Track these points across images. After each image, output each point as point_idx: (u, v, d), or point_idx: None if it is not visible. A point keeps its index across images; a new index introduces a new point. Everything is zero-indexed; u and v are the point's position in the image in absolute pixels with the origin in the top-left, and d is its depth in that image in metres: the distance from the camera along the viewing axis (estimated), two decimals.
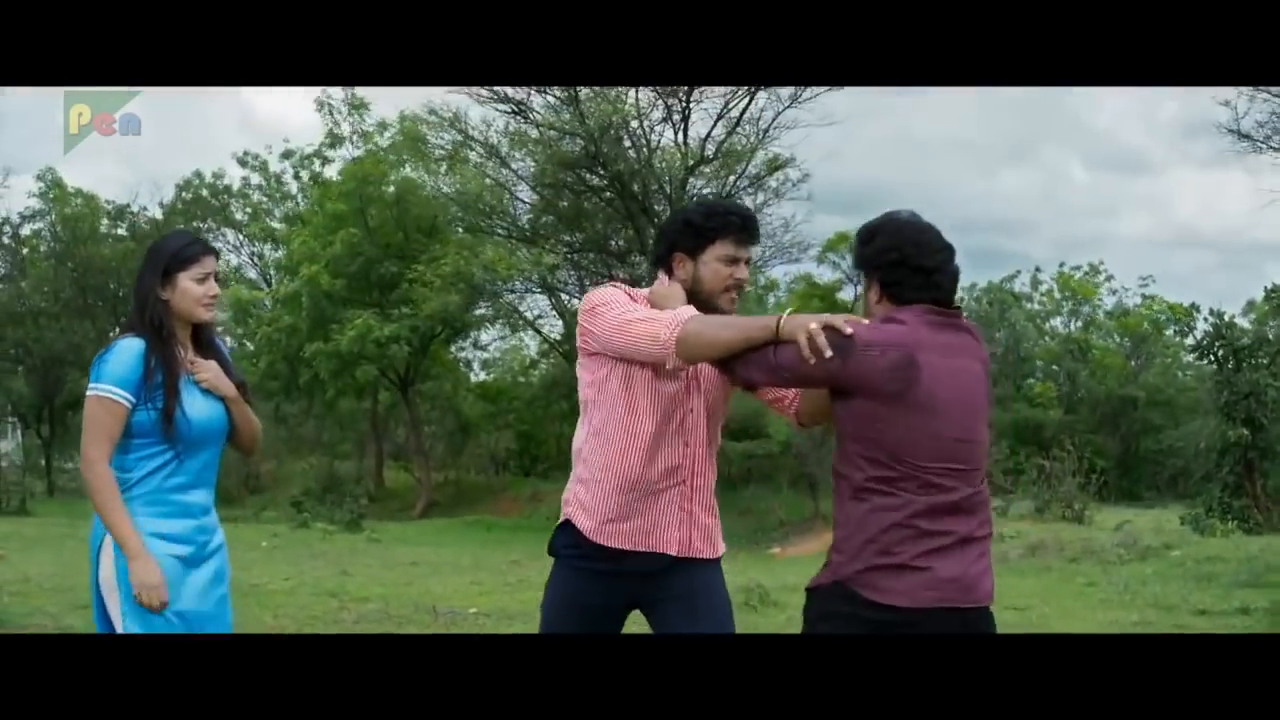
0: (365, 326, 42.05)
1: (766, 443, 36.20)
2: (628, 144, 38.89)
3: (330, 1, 5.59)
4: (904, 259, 4.98)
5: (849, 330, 4.73)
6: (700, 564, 5.56)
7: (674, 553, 5.48)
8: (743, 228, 5.50)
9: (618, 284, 5.55)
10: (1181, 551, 22.59)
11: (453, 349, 54.53)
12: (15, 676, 4.54)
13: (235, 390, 5.80)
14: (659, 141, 39.88)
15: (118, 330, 5.78)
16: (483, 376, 61.16)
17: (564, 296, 48.67)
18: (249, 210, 58.91)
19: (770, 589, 18.10)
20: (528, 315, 50.37)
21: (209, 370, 5.70)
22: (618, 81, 31.35)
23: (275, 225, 56.08)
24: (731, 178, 39.88)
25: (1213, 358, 35.88)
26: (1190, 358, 59.47)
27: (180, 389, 5.52)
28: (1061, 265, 61.42)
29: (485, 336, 55.67)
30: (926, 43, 5.53)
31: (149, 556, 5.41)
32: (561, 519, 5.70)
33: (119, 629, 5.45)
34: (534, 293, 47.08)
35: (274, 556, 25.26)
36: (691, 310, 5.19)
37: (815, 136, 49.74)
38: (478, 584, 20.26)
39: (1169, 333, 63.11)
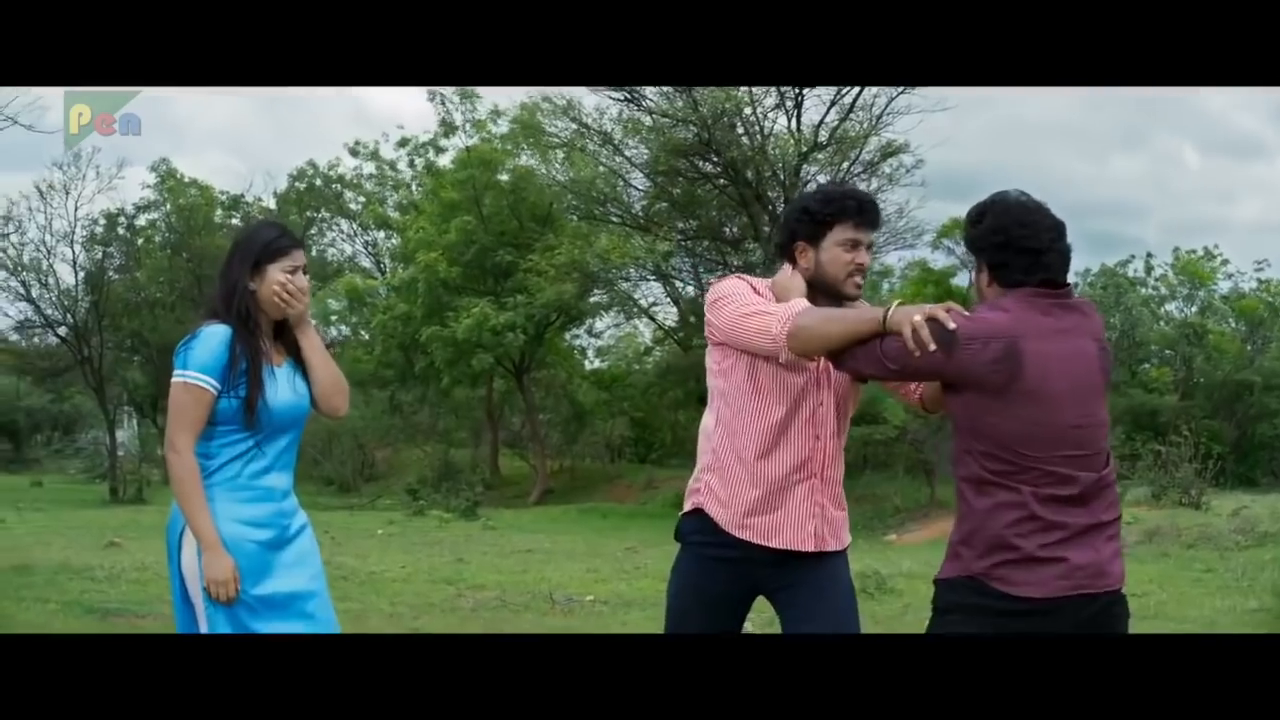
0: (481, 314, 42.09)
1: (883, 428, 35.93)
2: (740, 131, 38.80)
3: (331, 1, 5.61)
4: (1010, 241, 4.90)
5: (952, 324, 4.68)
6: (828, 554, 5.56)
7: (808, 548, 5.47)
8: (859, 211, 5.45)
9: (742, 275, 5.53)
10: None
11: (567, 337, 54.55)
12: (62, 677, 4.56)
13: (304, 313, 5.78)
14: (772, 128, 39.76)
15: (201, 316, 5.79)
16: (597, 364, 61.22)
17: (678, 284, 48.71)
18: (362, 199, 59.14)
19: (887, 576, 18.09)
20: (642, 303, 50.41)
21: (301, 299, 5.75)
22: (732, 82, 31.39)
23: (390, 213, 56.23)
24: (845, 164, 39.67)
25: None
26: None
27: (264, 378, 5.55)
28: (1176, 250, 60.68)
29: (600, 324, 55.74)
30: (1037, 42, 5.47)
31: (222, 551, 5.42)
32: (690, 506, 5.65)
33: (201, 615, 5.48)
34: (648, 280, 47.12)
35: (390, 544, 25.41)
36: (803, 303, 5.18)
37: (929, 122, 49.88)
38: (594, 571, 20.29)
39: (1269, 316, 62.32)
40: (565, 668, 4.64)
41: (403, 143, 55.40)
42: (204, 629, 5.47)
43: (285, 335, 5.77)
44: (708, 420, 5.63)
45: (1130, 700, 4.24)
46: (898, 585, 18.11)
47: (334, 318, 54.11)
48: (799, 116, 39.45)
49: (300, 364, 5.75)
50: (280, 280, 5.60)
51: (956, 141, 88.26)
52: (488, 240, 45.41)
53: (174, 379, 5.48)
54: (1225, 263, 60.57)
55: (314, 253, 58.51)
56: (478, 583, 17.68)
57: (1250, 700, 4.21)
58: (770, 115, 39.32)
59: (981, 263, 5.02)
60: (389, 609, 15.13)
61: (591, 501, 43.57)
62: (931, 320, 4.70)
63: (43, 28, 5.51)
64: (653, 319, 52.21)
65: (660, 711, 4.45)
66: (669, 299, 49.80)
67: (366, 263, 60.11)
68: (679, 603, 5.70)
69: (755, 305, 5.25)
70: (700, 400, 32.39)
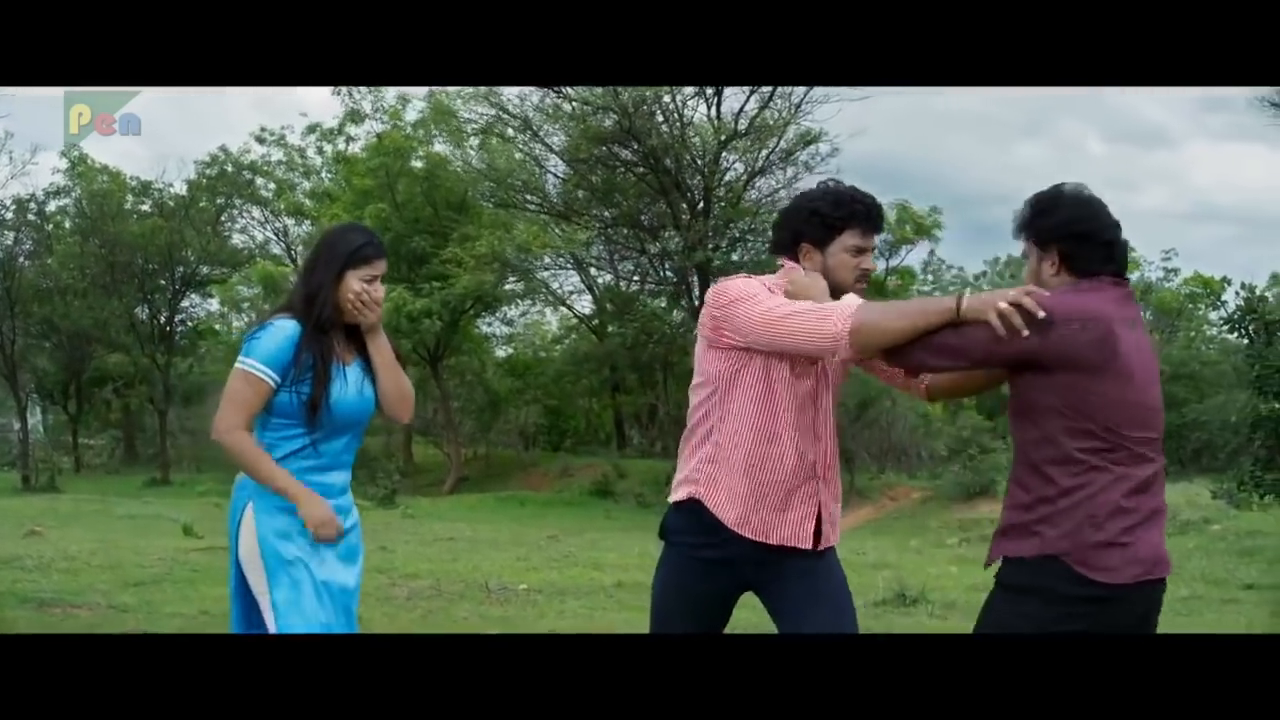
0: (399, 300, 41.99)
1: None
2: (660, 119, 38.89)
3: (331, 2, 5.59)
4: (1090, 232, 5.04)
5: (1040, 309, 4.73)
6: (821, 549, 5.51)
7: (807, 545, 5.41)
8: (868, 217, 5.45)
9: (749, 275, 5.48)
10: (1221, 526, 22.65)
11: (480, 324, 54.52)
12: (60, 675, 4.56)
13: (378, 321, 5.78)
14: (692, 116, 39.93)
15: (271, 308, 5.78)
16: (504, 351, 61.20)
17: (593, 272, 48.73)
18: (272, 186, 58.89)
19: None
20: (558, 290, 50.41)
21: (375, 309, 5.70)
22: (648, 82, 31.51)
23: (304, 201, 56.02)
24: (764, 152, 39.84)
25: (1244, 332, 35.76)
26: (1215, 331, 59.53)
27: (331, 376, 5.52)
28: None
29: (513, 312, 55.68)
30: (950, 42, 5.57)
31: (312, 494, 5.51)
32: (684, 495, 5.47)
33: (264, 602, 5.49)
34: (565, 269, 47.11)
35: None
36: (857, 299, 5.14)
37: (843, 110, 50.09)
38: (524, 560, 20.28)
39: (1189, 306, 63.04)
40: (557, 668, 4.66)
41: (310, 130, 55.27)
42: (269, 616, 5.48)
43: (356, 334, 5.73)
44: (700, 415, 5.51)
45: (1130, 700, 4.27)
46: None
47: (245, 305, 53.81)
48: (719, 105, 39.67)
49: (369, 366, 5.71)
50: (357, 289, 5.57)
51: (867, 129, 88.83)
52: (402, 227, 45.26)
53: (236, 365, 5.50)
54: (1131, 250, 61.18)
55: (227, 240, 58.34)
56: (409, 572, 17.60)
57: (1250, 700, 4.24)
58: (690, 103, 39.48)
59: (1051, 251, 5.10)
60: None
61: (507, 489, 43.59)
62: (1016, 306, 4.74)
63: (43, 28, 5.49)
64: (569, 308, 52.22)
65: (649, 713, 4.46)
66: (585, 287, 49.78)
67: (278, 249, 59.81)
68: (663, 603, 5.64)
69: (793, 305, 5.17)
70: (616, 389, 32.43)
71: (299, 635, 5.43)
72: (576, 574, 18.71)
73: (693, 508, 5.44)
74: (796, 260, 5.43)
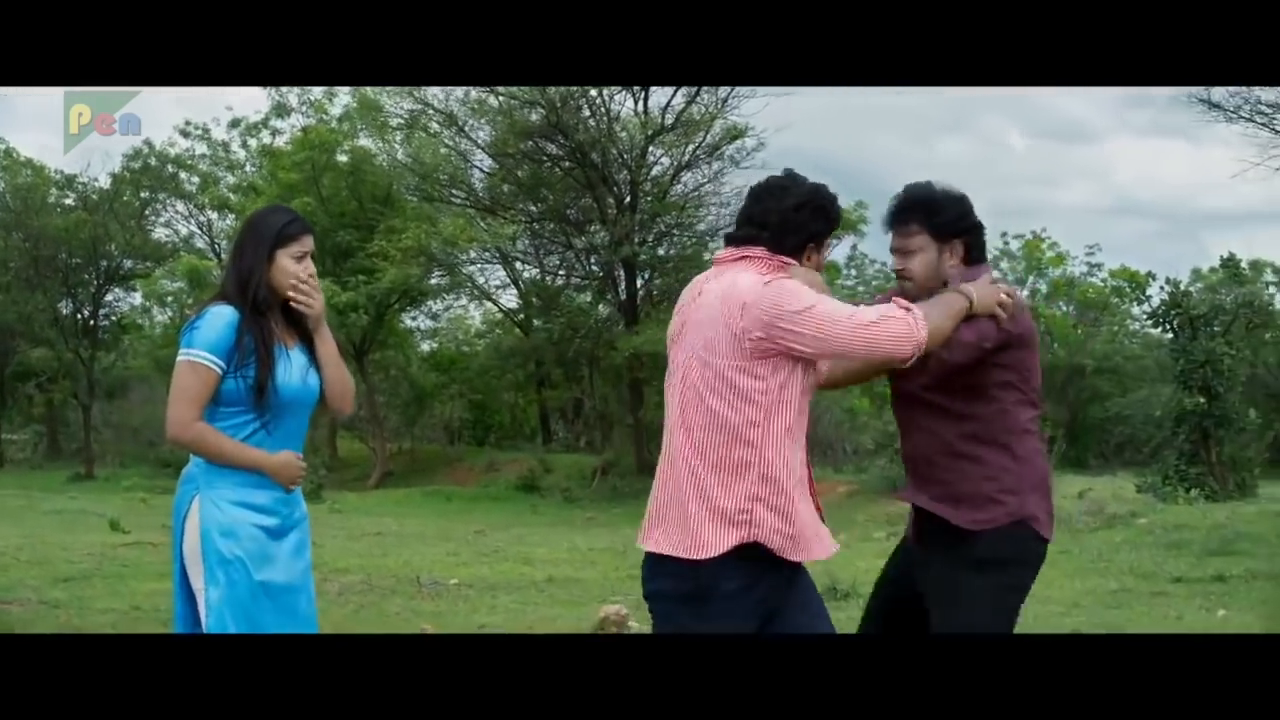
0: (326, 293, 41.61)
1: None
2: (587, 113, 38.88)
3: (330, 2, 5.60)
4: (980, 224, 5.39)
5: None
6: None
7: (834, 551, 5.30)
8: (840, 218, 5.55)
9: (769, 273, 5.13)
10: (1148, 519, 22.77)
11: (405, 319, 54.33)
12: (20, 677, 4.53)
13: (322, 313, 5.75)
14: (619, 111, 39.94)
15: (207, 298, 5.77)
16: (427, 346, 60.91)
17: (519, 266, 48.67)
18: (196, 180, 58.46)
19: None
20: (485, 284, 50.28)
21: (317, 296, 5.71)
22: (577, 82, 31.64)
23: (229, 195, 55.66)
24: (690, 146, 39.90)
25: (1168, 326, 36.04)
26: (1138, 326, 59.85)
27: (275, 358, 5.53)
28: (1004, 235, 61.36)
29: (437, 306, 55.46)
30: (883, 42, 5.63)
31: (273, 457, 5.51)
32: (737, 541, 4.95)
33: (200, 600, 5.45)
34: (491, 263, 47.06)
35: None
36: (907, 302, 5.15)
37: (774, 105, 50.20)
38: (454, 555, 20.33)
39: (1114, 300, 63.29)
40: (557, 668, 4.64)
41: (234, 124, 54.98)
42: (203, 614, 5.45)
43: (295, 320, 5.74)
44: (737, 438, 5.00)
45: (1129, 700, 4.28)
46: None
47: (169, 299, 53.50)
48: (646, 99, 39.59)
49: (311, 352, 5.72)
50: (292, 270, 5.59)
51: (793, 124, 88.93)
52: (327, 221, 45.03)
53: (179, 358, 5.45)
54: (1054, 245, 61.45)
55: (150, 234, 57.93)
56: (339, 566, 17.61)
57: (1250, 700, 4.26)
58: (617, 98, 39.44)
59: (950, 244, 5.36)
60: None
61: (433, 484, 43.46)
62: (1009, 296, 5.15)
63: (43, 28, 5.48)
64: (494, 302, 52.09)
65: (650, 713, 4.44)
66: (510, 281, 49.69)
67: (201, 243, 59.37)
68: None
69: (874, 310, 5.08)
70: (541, 384, 32.16)
71: (260, 636, 5.41)
72: (507, 569, 18.75)
73: (751, 552, 4.97)
74: (800, 259, 5.26)
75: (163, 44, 5.51)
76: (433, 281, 47.18)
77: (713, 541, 4.90)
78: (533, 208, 43.62)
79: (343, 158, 47.05)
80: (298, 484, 5.59)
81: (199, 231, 60.09)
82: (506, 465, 44.61)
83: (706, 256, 44.56)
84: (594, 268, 43.86)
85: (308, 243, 5.67)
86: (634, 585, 17.28)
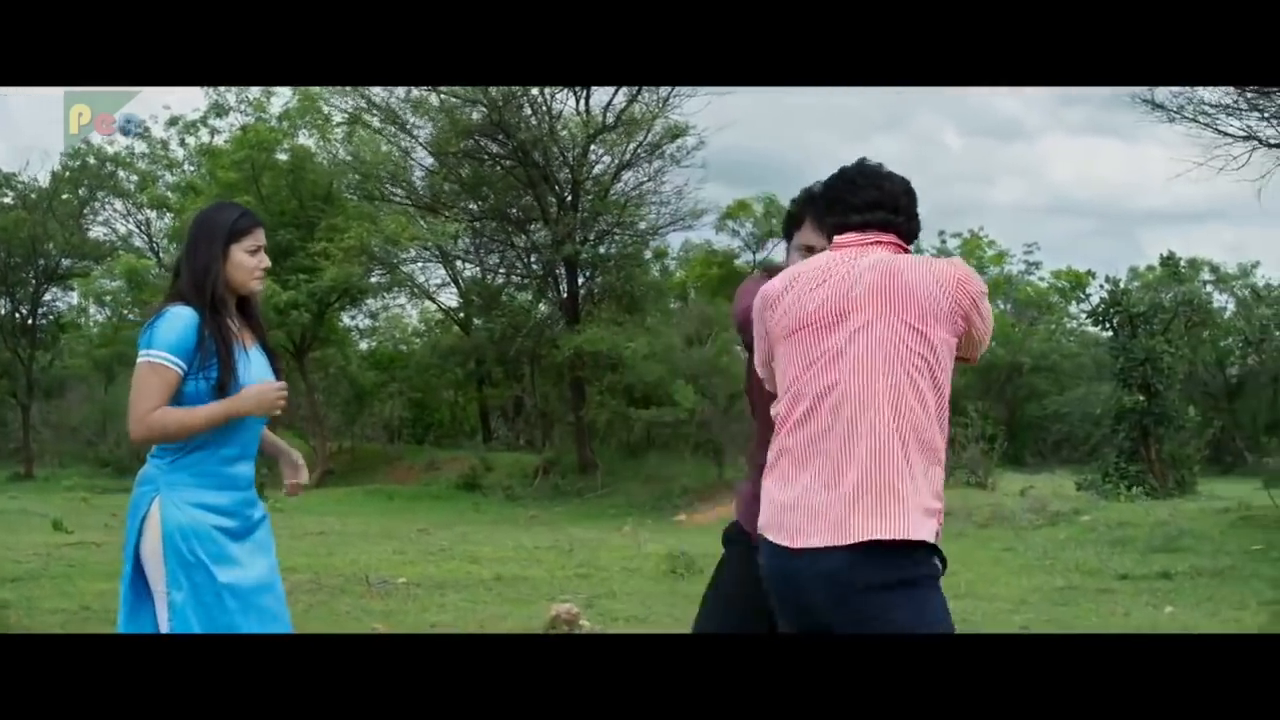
0: (267, 292, 41.57)
1: (673, 410, 36.21)
2: (529, 112, 38.85)
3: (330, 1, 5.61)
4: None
5: None
6: None
7: None
8: None
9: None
10: (1091, 516, 22.96)
11: (345, 317, 54.14)
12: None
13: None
14: (561, 110, 39.91)
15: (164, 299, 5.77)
16: (365, 345, 60.70)
17: (459, 265, 48.58)
18: (135, 178, 58.08)
19: (696, 556, 18.21)
20: (425, 283, 50.14)
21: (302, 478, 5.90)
22: (528, 82, 31.71)
23: (168, 194, 55.29)
24: (631, 145, 39.91)
25: (1108, 324, 36.27)
26: (1075, 324, 60.18)
27: (235, 359, 5.53)
28: (941, 233, 61.57)
29: (376, 304, 55.27)
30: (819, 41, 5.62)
31: (241, 395, 5.56)
32: (937, 528, 4.73)
33: (160, 601, 5.44)
34: (433, 262, 46.95)
35: None
36: None
37: (713, 104, 50.49)
38: (400, 553, 20.35)
39: (1053, 298, 63.55)
40: (559, 669, 4.62)
41: (173, 122, 54.65)
42: (163, 615, 5.44)
43: (248, 316, 5.76)
44: (940, 423, 4.83)
45: (1130, 700, 4.27)
46: (705, 565, 18.26)
47: (108, 298, 53.21)
48: (588, 98, 39.61)
49: (269, 350, 5.75)
50: (250, 265, 5.63)
51: (736, 122, 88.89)
52: (268, 220, 44.45)
53: (139, 359, 5.43)
54: (992, 243, 61.76)
55: (89, 233, 57.57)
56: (287, 565, 17.34)
57: (1249, 700, 4.24)
58: (559, 96, 39.38)
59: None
60: None
61: (374, 483, 43.35)
62: None
63: (43, 28, 5.47)
64: (434, 300, 51.96)
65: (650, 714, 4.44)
66: (450, 280, 49.60)
67: (140, 242, 59.03)
68: None
69: None
70: (482, 382, 32.06)
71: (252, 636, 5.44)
72: (454, 567, 18.79)
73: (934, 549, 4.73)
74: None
75: (163, 44, 5.51)
76: (373, 280, 47.07)
77: (922, 526, 4.62)
78: (473, 206, 43.55)
79: (282, 156, 46.84)
80: (279, 407, 5.62)
81: (137, 230, 59.69)
82: (447, 464, 44.56)
83: (647, 255, 44.69)
84: (535, 266, 43.81)
85: (260, 235, 5.70)
86: (582, 584, 17.49)
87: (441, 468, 44.57)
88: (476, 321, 48.82)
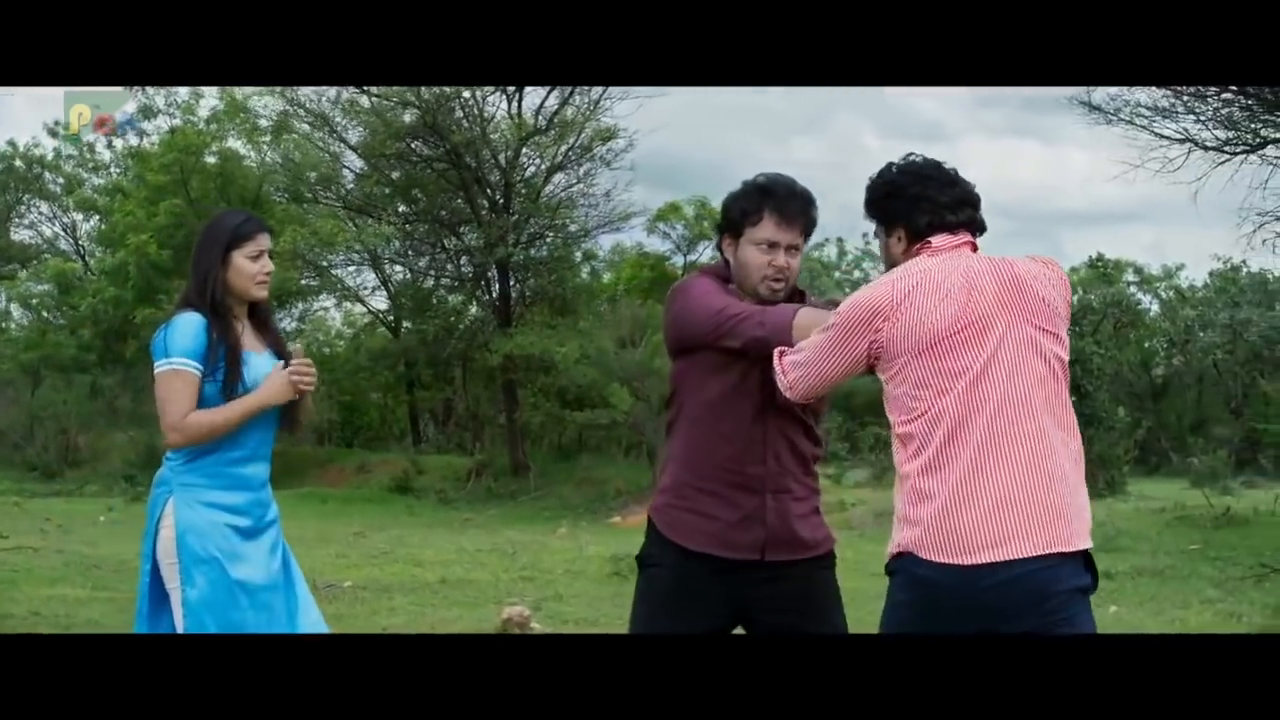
0: None
1: (607, 412, 36.19)
2: (460, 114, 38.80)
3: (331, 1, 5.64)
4: None
5: None
6: None
7: None
8: None
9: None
10: None
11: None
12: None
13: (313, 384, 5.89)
14: (494, 113, 39.88)
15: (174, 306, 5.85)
16: (291, 348, 60.00)
17: (388, 268, 48.43)
18: (61, 181, 57.78)
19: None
20: (354, 286, 49.97)
21: (310, 373, 5.81)
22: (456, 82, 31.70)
23: (95, 197, 54.96)
24: (563, 148, 39.91)
25: None
26: None
27: (242, 362, 5.60)
28: (865, 235, 61.65)
29: (302, 307, 55.03)
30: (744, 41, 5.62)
31: (267, 384, 5.75)
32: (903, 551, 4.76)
33: (175, 598, 5.54)
34: (364, 265, 46.82)
35: (117, 532, 24.99)
36: None
37: (632, 104, 50.20)
38: (342, 557, 20.34)
39: None
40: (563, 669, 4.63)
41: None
42: (178, 614, 5.50)
43: (260, 323, 5.81)
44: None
45: (1130, 700, 4.28)
46: None
47: (34, 301, 52.82)
48: (520, 101, 39.58)
49: (281, 354, 5.80)
50: (252, 271, 5.69)
51: (665, 125, 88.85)
52: (196, 224, 44.51)
53: (159, 369, 5.54)
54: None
55: (13, 236, 57.23)
56: None
57: (1250, 700, 4.26)
58: (490, 99, 39.34)
59: None
60: None
61: (305, 486, 43.16)
62: None
63: (43, 28, 5.49)
64: (363, 303, 51.77)
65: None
66: (380, 283, 49.42)
67: (66, 245, 58.69)
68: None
69: None
70: (412, 385, 31.91)
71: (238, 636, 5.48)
72: (398, 570, 18.85)
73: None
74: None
75: (163, 44, 5.54)
76: (303, 283, 46.92)
77: (1088, 533, 4.72)
78: (404, 209, 43.48)
79: (211, 159, 46.64)
80: (304, 382, 5.73)
81: (64, 233, 59.37)
82: (378, 466, 44.45)
83: (578, 257, 44.68)
84: (466, 269, 43.75)
85: (264, 241, 5.79)
86: (527, 586, 17.55)
87: (372, 471, 44.45)
88: (407, 324, 48.69)
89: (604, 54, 5.70)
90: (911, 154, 5.13)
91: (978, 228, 5.06)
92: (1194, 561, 18.77)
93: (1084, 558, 4.64)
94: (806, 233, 5.54)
